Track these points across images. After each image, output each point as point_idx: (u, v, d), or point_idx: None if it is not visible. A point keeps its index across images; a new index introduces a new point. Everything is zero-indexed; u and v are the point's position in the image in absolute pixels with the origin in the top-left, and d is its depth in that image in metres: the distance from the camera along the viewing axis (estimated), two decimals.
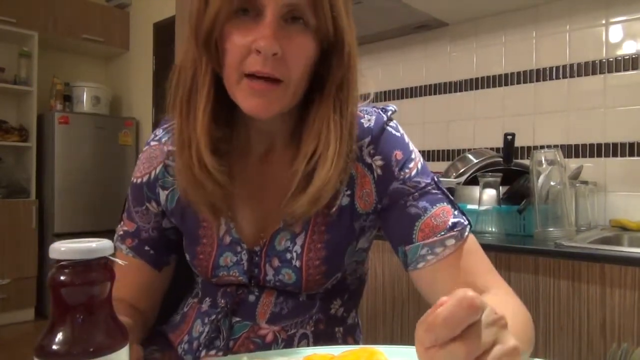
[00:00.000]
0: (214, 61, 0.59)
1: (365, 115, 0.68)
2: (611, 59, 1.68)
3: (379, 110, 0.70)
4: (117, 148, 3.73)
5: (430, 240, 0.63)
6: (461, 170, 1.64)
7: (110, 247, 0.37)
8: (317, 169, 0.60)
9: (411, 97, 2.22)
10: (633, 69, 1.63)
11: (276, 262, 0.67)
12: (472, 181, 1.55)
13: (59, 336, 0.35)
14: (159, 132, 0.74)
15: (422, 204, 0.64)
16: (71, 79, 3.79)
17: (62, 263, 0.36)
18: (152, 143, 0.74)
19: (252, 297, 0.70)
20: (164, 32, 3.52)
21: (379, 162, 0.66)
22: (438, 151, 2.13)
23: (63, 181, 3.44)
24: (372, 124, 0.67)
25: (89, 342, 0.35)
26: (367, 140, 0.66)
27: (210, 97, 0.60)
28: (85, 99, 3.68)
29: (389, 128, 0.68)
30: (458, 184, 1.58)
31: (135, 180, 0.73)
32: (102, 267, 0.37)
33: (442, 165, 1.93)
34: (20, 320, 3.31)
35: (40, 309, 3.42)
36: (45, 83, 3.58)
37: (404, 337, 1.46)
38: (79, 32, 3.65)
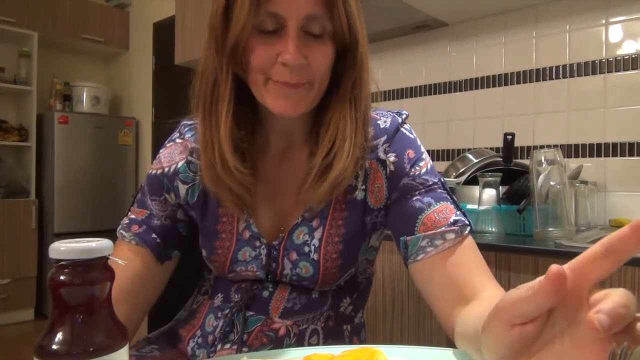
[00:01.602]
0: (238, 68, 0.63)
1: (382, 118, 0.73)
2: (611, 59, 1.68)
3: (394, 113, 0.74)
4: (116, 148, 3.73)
5: (431, 232, 0.64)
6: (461, 170, 1.64)
7: (110, 246, 0.37)
8: (335, 159, 0.64)
9: (411, 97, 2.22)
10: (633, 69, 1.63)
11: (294, 256, 0.69)
12: (472, 181, 1.54)
13: (59, 336, 0.35)
14: (183, 129, 0.77)
15: (427, 199, 0.67)
16: (71, 79, 3.79)
17: (62, 263, 0.36)
18: (178, 140, 0.76)
19: (266, 293, 0.71)
20: (163, 32, 3.52)
21: (393, 159, 0.70)
22: (438, 151, 2.13)
23: (63, 181, 3.44)
24: (387, 125, 0.71)
25: (88, 342, 0.35)
26: (383, 139, 0.71)
27: (232, 102, 0.64)
28: (85, 99, 3.68)
29: (403, 129, 0.72)
30: (458, 183, 1.58)
31: (154, 172, 0.75)
32: (101, 267, 0.37)
33: (442, 165, 1.93)
34: (20, 320, 3.31)
35: (40, 309, 3.43)
36: (45, 83, 3.59)
37: (404, 336, 1.46)
38: (78, 32, 3.66)
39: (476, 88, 2.01)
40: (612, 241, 0.32)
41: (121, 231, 0.73)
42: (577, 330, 0.33)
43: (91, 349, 0.35)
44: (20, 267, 3.28)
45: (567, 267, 0.33)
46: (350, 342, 0.74)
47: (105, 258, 0.37)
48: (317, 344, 0.70)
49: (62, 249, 0.35)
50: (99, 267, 0.37)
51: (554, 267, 0.32)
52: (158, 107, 3.65)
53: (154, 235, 0.72)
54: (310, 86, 0.62)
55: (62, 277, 0.35)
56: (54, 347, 0.35)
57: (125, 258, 0.69)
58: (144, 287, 0.71)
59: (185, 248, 0.76)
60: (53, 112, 3.46)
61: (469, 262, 0.64)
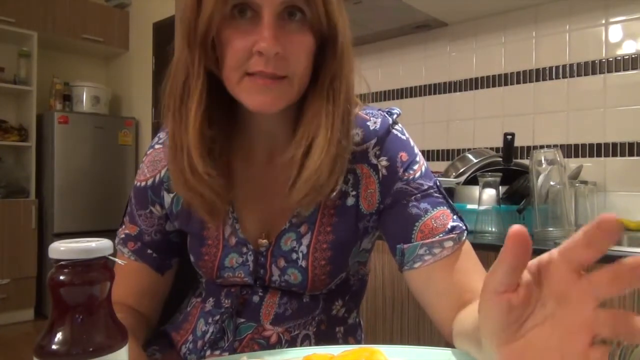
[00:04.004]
0: (211, 63, 0.59)
1: (372, 118, 0.69)
2: (611, 59, 1.68)
3: (385, 112, 0.71)
4: (116, 148, 3.73)
5: (429, 240, 0.63)
6: (461, 170, 1.64)
7: (110, 246, 0.37)
8: (309, 155, 0.60)
9: (411, 97, 2.22)
10: (633, 69, 1.63)
11: (282, 263, 0.67)
12: (472, 181, 1.55)
13: (59, 336, 0.35)
14: (163, 135, 0.74)
15: (424, 205, 0.65)
16: (71, 79, 3.79)
17: (61, 263, 0.36)
18: (157, 146, 0.74)
19: (256, 298, 0.70)
20: (163, 32, 3.52)
21: (384, 163, 0.67)
22: (438, 151, 2.13)
23: (63, 181, 3.43)
24: (377, 127, 0.68)
25: (88, 342, 0.35)
26: (373, 142, 0.67)
27: (203, 100, 0.59)
28: (84, 99, 3.68)
29: (394, 131, 0.69)
30: (458, 183, 1.58)
31: (139, 184, 0.73)
32: (101, 266, 0.37)
33: (442, 165, 1.93)
34: (20, 320, 3.31)
35: (40, 309, 3.42)
36: (45, 83, 3.58)
37: (403, 336, 1.46)
38: (78, 32, 3.65)
39: (476, 88, 2.01)
40: (590, 232, 0.32)
41: (119, 246, 0.73)
42: (566, 313, 0.34)
43: (91, 349, 0.35)
44: (20, 267, 3.28)
45: (555, 251, 0.34)
46: (346, 343, 0.73)
47: (105, 258, 0.37)
48: None
49: (61, 249, 0.35)
50: (98, 267, 0.37)
51: (514, 227, 0.33)
52: (158, 107, 3.63)
53: (149, 251, 0.73)
54: (289, 81, 0.58)
55: (62, 277, 0.35)
56: (54, 347, 0.35)
57: (128, 273, 0.72)
58: (152, 293, 0.75)
59: (183, 253, 0.76)
60: (53, 112, 3.46)
61: (467, 268, 0.64)
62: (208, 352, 0.68)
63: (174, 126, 0.61)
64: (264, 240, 0.68)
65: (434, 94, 2.14)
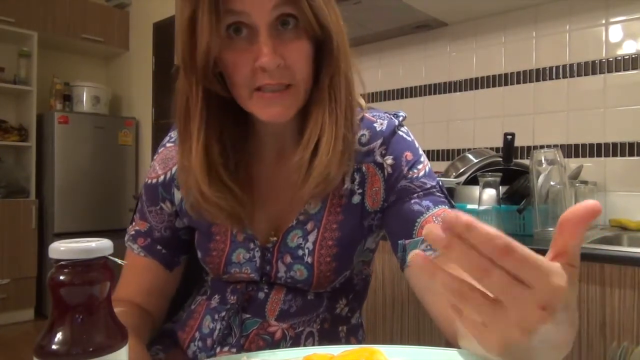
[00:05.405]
0: (217, 87, 0.62)
1: (378, 120, 0.72)
2: (611, 59, 1.68)
3: (391, 115, 0.73)
4: (116, 148, 3.73)
5: None
6: (461, 170, 1.64)
7: (110, 246, 0.37)
8: (317, 154, 0.62)
9: (411, 97, 2.22)
10: (633, 68, 1.63)
11: (288, 259, 0.69)
12: (472, 181, 1.55)
13: (59, 336, 0.35)
14: (174, 133, 0.76)
15: (426, 202, 0.67)
16: (71, 79, 3.79)
17: (61, 263, 0.36)
18: (168, 144, 0.76)
19: (261, 294, 0.71)
20: (163, 32, 3.52)
21: (390, 161, 0.69)
22: (438, 151, 2.13)
23: (63, 181, 3.43)
24: (384, 128, 0.71)
25: (88, 342, 0.35)
26: (379, 142, 0.70)
27: (203, 123, 0.62)
28: (85, 99, 3.68)
29: (400, 132, 0.72)
30: (458, 183, 1.58)
31: (150, 181, 0.75)
32: (101, 266, 0.37)
33: (442, 165, 1.93)
34: (20, 320, 3.31)
35: (40, 309, 3.43)
36: (45, 83, 3.58)
37: (403, 336, 1.46)
38: (78, 32, 3.65)
39: (476, 88, 2.01)
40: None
41: (129, 242, 0.75)
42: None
43: (91, 349, 0.35)
44: (20, 267, 3.28)
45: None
46: (348, 343, 0.74)
47: (105, 258, 0.37)
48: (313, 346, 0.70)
49: (61, 248, 0.35)
50: (98, 267, 0.37)
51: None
52: (158, 107, 3.65)
53: (159, 247, 0.74)
54: (295, 89, 0.60)
55: (61, 277, 0.35)
56: (54, 347, 0.35)
57: (137, 270, 0.74)
58: (159, 291, 0.76)
59: (191, 251, 0.77)
60: (53, 112, 3.46)
61: None
62: (218, 349, 0.69)
63: (181, 147, 0.64)
64: (276, 237, 0.69)
65: (434, 94, 2.14)
